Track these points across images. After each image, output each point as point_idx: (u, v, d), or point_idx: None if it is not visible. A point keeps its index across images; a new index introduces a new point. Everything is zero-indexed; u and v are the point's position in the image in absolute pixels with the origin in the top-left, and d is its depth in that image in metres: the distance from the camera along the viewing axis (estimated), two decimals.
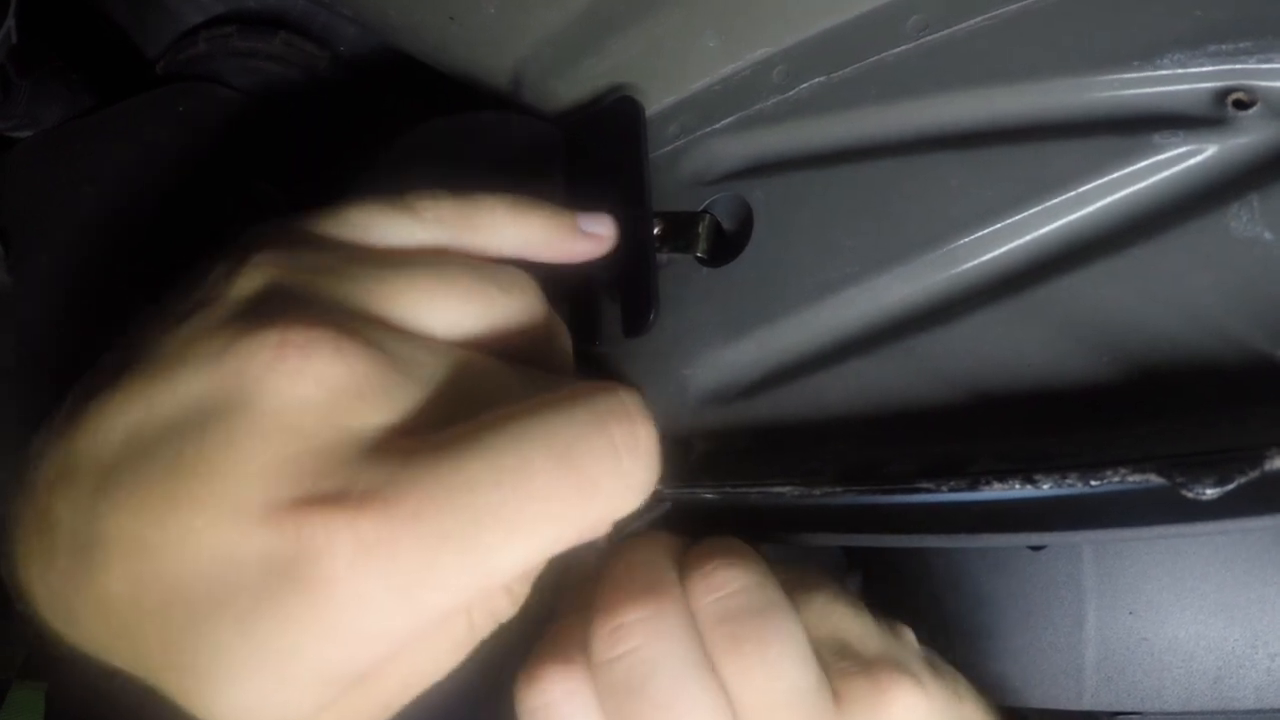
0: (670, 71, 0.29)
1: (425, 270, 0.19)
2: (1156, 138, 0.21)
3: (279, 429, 0.16)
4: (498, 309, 0.20)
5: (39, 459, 0.17)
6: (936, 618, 0.34)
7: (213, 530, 0.15)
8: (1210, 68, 0.21)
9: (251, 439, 0.15)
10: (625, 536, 0.25)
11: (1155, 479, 0.18)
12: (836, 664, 0.21)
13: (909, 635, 0.23)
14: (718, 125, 0.28)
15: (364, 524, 0.15)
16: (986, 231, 0.23)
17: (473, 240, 0.22)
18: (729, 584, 0.21)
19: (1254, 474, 0.17)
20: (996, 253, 0.23)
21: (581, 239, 0.24)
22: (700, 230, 0.27)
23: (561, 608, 0.23)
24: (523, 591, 0.20)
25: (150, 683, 0.17)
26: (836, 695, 0.20)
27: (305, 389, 0.16)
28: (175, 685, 0.16)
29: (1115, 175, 0.22)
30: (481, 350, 0.20)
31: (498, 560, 0.16)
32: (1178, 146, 0.21)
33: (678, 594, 0.21)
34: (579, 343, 0.28)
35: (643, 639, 0.20)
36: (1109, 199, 0.22)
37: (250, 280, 0.18)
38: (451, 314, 0.19)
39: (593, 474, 0.17)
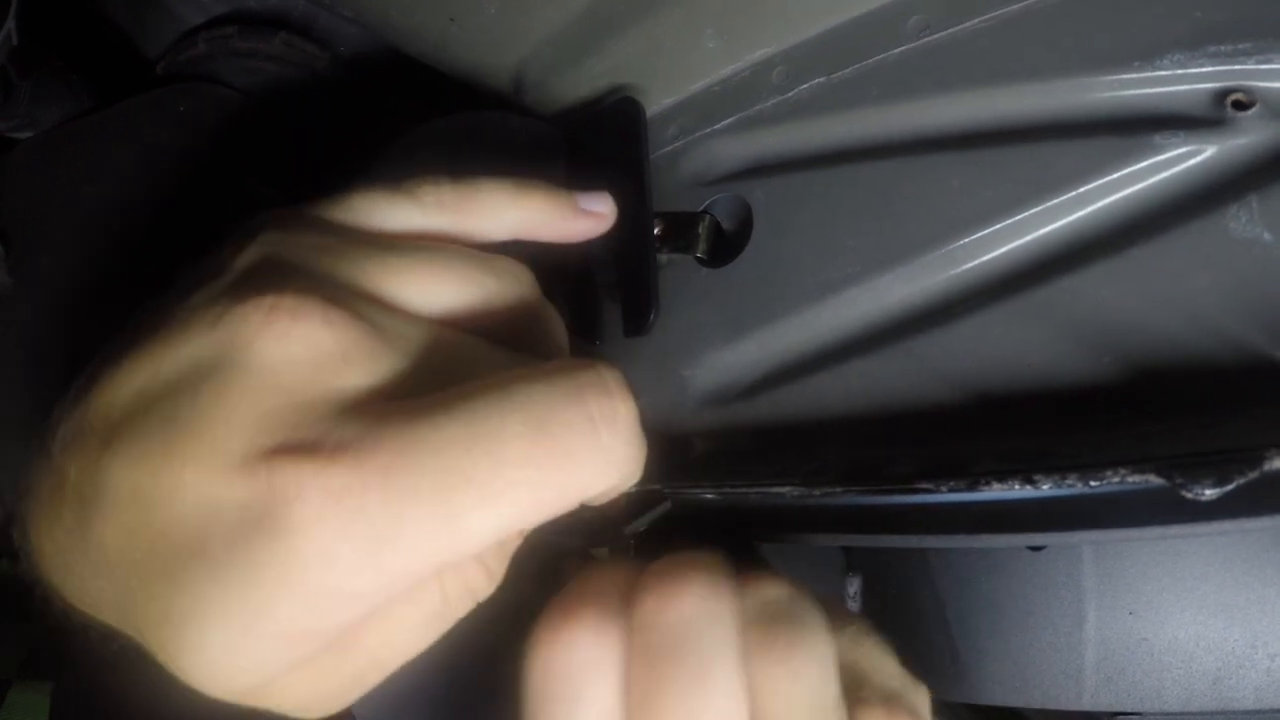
0: (670, 72, 0.29)
1: (419, 253, 0.20)
2: (1157, 138, 0.21)
3: (265, 385, 0.16)
4: (490, 293, 0.21)
5: (56, 425, 0.18)
6: (936, 618, 0.34)
7: (198, 480, 0.16)
8: (1210, 68, 0.21)
9: (240, 394, 0.16)
10: (630, 535, 0.25)
11: (1155, 480, 0.18)
12: (857, 691, 0.21)
13: (926, 693, 0.24)
14: (718, 126, 0.28)
15: (334, 473, 0.15)
16: (987, 232, 0.23)
17: (474, 222, 0.22)
18: (772, 590, 0.21)
19: (1253, 475, 0.17)
20: (997, 253, 0.23)
21: (581, 217, 0.25)
22: (700, 231, 0.27)
23: (583, 579, 0.22)
24: (499, 568, 0.20)
25: (137, 639, 0.17)
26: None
27: (292, 349, 0.16)
28: (155, 639, 0.17)
29: (1115, 176, 0.22)
30: (471, 331, 0.20)
31: (466, 524, 0.16)
32: (1178, 147, 0.21)
33: (733, 584, 0.21)
34: (579, 342, 0.28)
35: (699, 607, 0.20)
36: (1109, 199, 0.22)
37: (252, 254, 0.19)
38: (442, 295, 0.20)
39: (569, 445, 0.17)
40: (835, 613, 0.23)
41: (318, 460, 0.15)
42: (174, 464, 0.16)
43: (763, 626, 0.20)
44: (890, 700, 0.21)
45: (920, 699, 0.23)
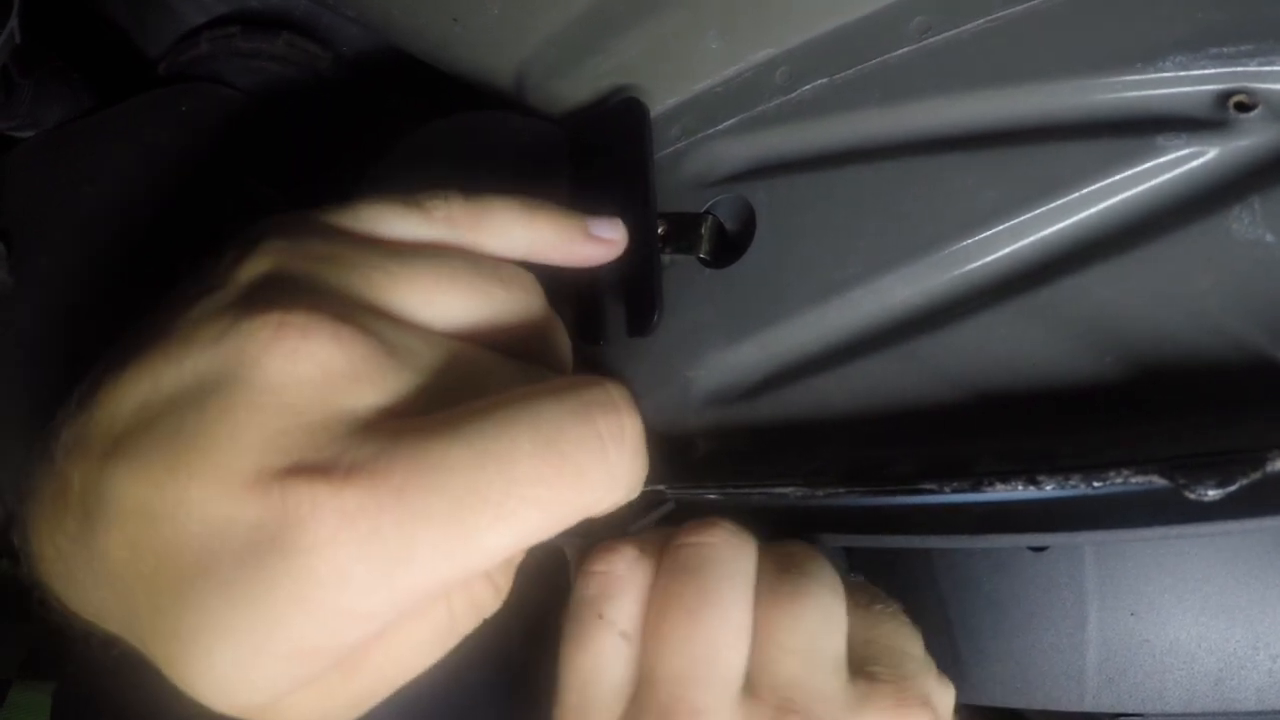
0: (673, 73, 0.29)
1: (427, 263, 0.20)
2: (1159, 140, 0.21)
3: (274, 404, 0.16)
4: (497, 304, 0.21)
5: (59, 429, 0.18)
6: (938, 618, 0.34)
7: (206, 497, 0.16)
8: (1212, 70, 0.21)
9: (247, 412, 0.16)
10: (630, 536, 0.25)
11: (1158, 480, 0.18)
12: (871, 665, 0.22)
13: (951, 690, 0.24)
14: (720, 126, 0.28)
15: (348, 494, 0.15)
16: (990, 233, 0.23)
17: (481, 241, 0.22)
18: (792, 546, 0.23)
19: (1256, 475, 0.17)
20: (1000, 254, 0.23)
21: (591, 243, 0.24)
22: (703, 231, 0.27)
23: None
24: (505, 583, 0.20)
25: (141, 650, 0.17)
26: (858, 691, 0.21)
27: (301, 368, 0.16)
28: (161, 653, 0.17)
29: (1119, 177, 0.22)
30: (479, 343, 0.20)
31: (478, 542, 0.16)
32: (1180, 149, 0.21)
33: (756, 540, 0.23)
34: (583, 342, 0.28)
35: (722, 539, 0.22)
36: (1112, 200, 0.22)
37: (257, 265, 0.18)
38: (450, 307, 0.20)
39: (578, 462, 0.17)
40: (864, 592, 0.24)
41: (332, 482, 0.15)
42: (179, 479, 0.16)
43: (776, 573, 0.22)
44: (902, 681, 0.22)
45: (942, 693, 0.23)
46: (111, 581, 0.17)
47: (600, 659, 0.21)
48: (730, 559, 0.22)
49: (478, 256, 0.21)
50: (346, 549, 0.15)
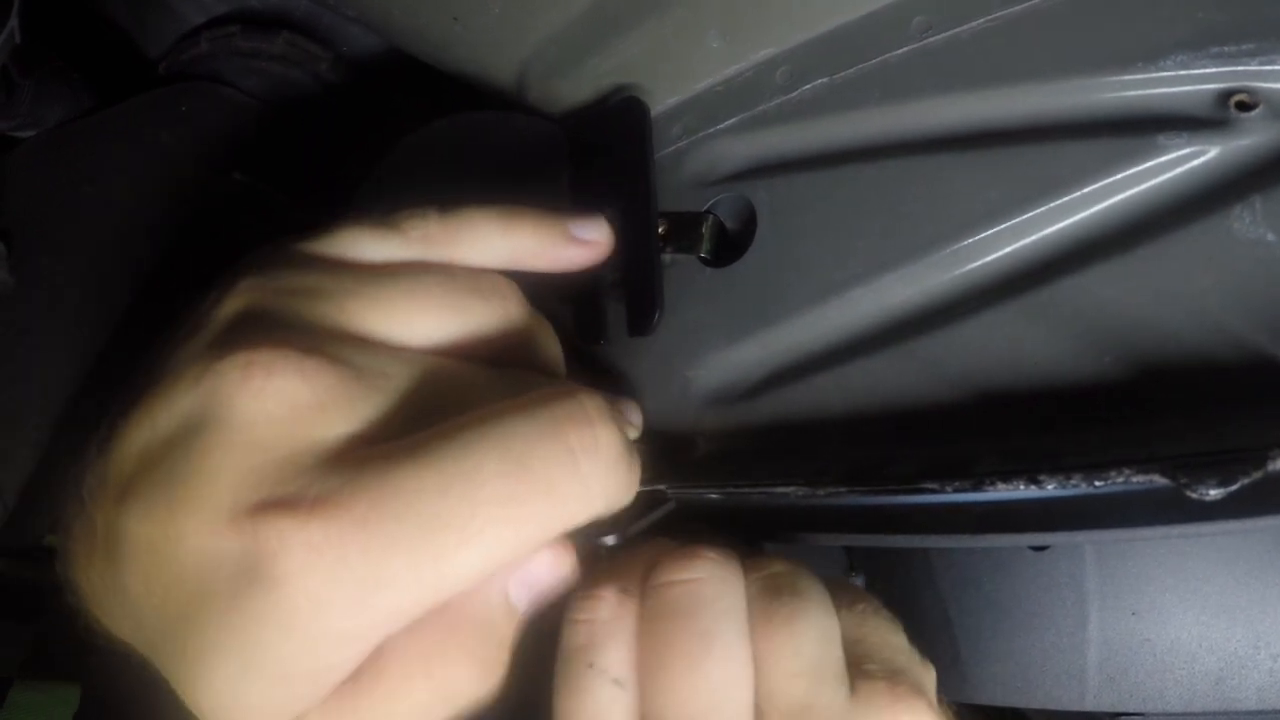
0: (674, 72, 0.29)
1: (399, 283, 0.20)
2: (1160, 139, 0.21)
3: (246, 442, 0.17)
4: (474, 317, 0.21)
5: (86, 473, 0.19)
6: (939, 618, 0.34)
7: (197, 534, 0.17)
8: (1213, 69, 0.21)
9: (222, 451, 0.17)
10: (630, 538, 0.25)
11: (1159, 479, 0.18)
12: (862, 665, 0.22)
13: (932, 671, 0.24)
14: (721, 126, 0.28)
15: (313, 527, 0.16)
16: (991, 232, 0.23)
17: (458, 255, 0.22)
18: (775, 566, 0.23)
19: (1257, 475, 0.17)
20: (1001, 253, 0.23)
21: (574, 246, 0.24)
22: (704, 231, 0.27)
23: (612, 560, 0.23)
24: (499, 665, 0.19)
25: (163, 673, 0.18)
26: (855, 692, 0.21)
27: (268, 405, 0.17)
28: (173, 676, 0.18)
29: (1120, 176, 0.22)
30: (460, 356, 0.20)
31: (449, 565, 0.16)
32: (1181, 148, 0.21)
33: (740, 563, 0.22)
34: (584, 342, 0.28)
35: (708, 574, 0.21)
36: (1113, 199, 0.22)
37: (233, 304, 0.19)
38: (425, 325, 0.20)
39: (548, 478, 0.17)
40: (844, 590, 0.24)
41: (297, 516, 0.16)
42: (176, 518, 0.17)
43: (767, 599, 0.22)
44: (894, 675, 0.22)
45: (926, 676, 0.23)
46: (133, 611, 0.18)
47: (598, 710, 0.21)
48: (720, 594, 0.21)
49: (453, 271, 0.22)
50: (317, 578, 0.16)
